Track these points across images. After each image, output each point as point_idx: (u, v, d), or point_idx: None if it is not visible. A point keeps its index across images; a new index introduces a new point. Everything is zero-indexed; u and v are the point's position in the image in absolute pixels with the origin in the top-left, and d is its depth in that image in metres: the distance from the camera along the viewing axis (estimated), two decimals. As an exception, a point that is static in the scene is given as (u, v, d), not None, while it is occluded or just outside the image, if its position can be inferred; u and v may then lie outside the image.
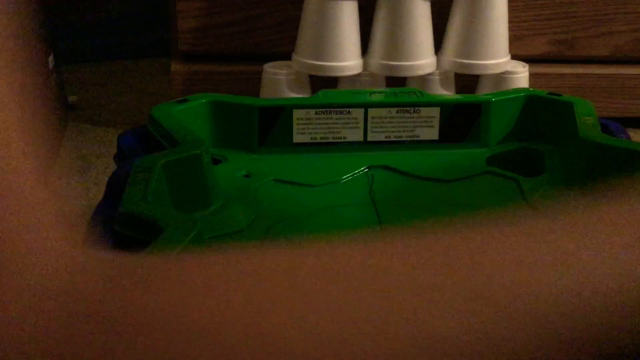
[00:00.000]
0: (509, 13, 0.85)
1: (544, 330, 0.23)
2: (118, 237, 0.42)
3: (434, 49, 0.84)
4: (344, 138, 0.63)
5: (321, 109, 0.62)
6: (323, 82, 0.83)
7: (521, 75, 0.86)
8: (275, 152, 0.62)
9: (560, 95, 0.64)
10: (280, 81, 0.83)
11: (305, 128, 0.63)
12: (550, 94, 0.64)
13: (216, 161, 0.60)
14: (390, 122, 0.63)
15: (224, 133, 0.62)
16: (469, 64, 0.84)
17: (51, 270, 0.23)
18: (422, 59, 0.83)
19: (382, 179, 0.60)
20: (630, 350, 0.23)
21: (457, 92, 0.88)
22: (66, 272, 0.23)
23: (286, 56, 0.86)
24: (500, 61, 0.85)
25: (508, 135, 0.65)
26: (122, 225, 0.42)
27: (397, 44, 0.81)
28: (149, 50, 1.34)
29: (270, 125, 0.62)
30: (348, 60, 0.81)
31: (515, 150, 0.64)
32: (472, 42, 0.83)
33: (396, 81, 0.86)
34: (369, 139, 0.63)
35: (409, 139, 0.64)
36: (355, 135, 0.63)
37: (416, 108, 0.63)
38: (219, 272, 0.24)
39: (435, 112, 0.63)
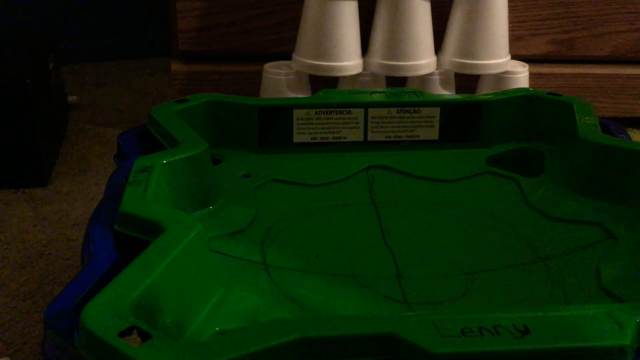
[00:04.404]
0: (509, 13, 0.85)
1: None
2: (118, 237, 0.42)
3: (434, 49, 0.84)
4: (344, 138, 0.63)
5: (321, 109, 0.62)
6: (323, 82, 0.83)
7: (521, 75, 0.86)
8: (275, 152, 0.62)
9: (560, 95, 0.64)
10: (280, 81, 0.83)
11: (305, 128, 0.63)
12: (550, 94, 0.64)
13: (216, 161, 0.60)
14: (390, 122, 0.63)
15: (224, 133, 0.62)
16: (469, 64, 0.84)
17: None
18: (422, 59, 0.83)
19: (382, 179, 0.60)
20: None
21: (457, 92, 0.88)
22: None
23: (286, 56, 0.86)
24: (500, 61, 0.85)
25: (508, 135, 0.65)
26: (122, 225, 0.42)
27: (397, 44, 0.81)
28: (149, 50, 1.34)
29: (270, 125, 0.62)
30: (348, 60, 0.81)
31: (515, 150, 0.64)
32: (472, 42, 0.83)
33: (396, 81, 0.86)
34: (369, 139, 0.63)
35: (409, 139, 0.64)
36: (356, 135, 0.63)
37: (416, 108, 0.63)
38: None
39: (435, 112, 0.63)
